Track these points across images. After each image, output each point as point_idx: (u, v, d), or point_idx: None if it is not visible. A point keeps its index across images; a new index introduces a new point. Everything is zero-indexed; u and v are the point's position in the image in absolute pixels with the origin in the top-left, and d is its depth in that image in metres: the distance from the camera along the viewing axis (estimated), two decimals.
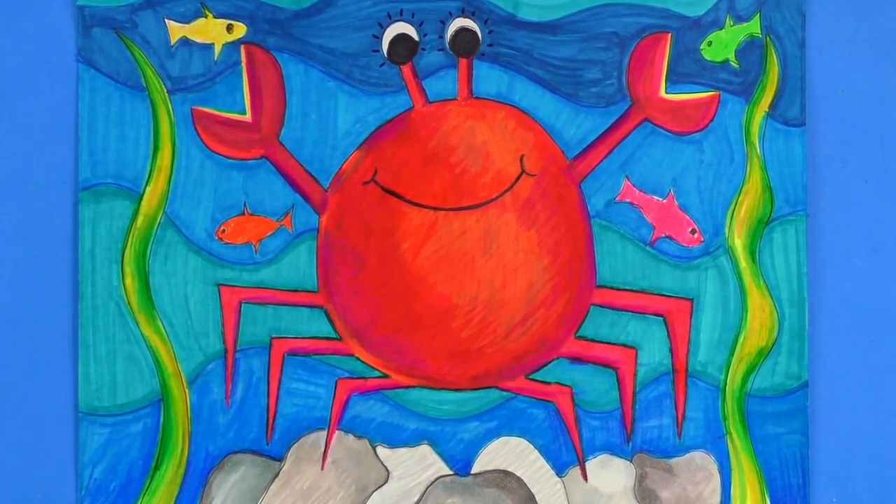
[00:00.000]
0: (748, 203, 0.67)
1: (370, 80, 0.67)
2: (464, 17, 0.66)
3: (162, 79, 0.66)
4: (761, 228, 0.67)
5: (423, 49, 0.67)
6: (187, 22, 0.67)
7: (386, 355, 0.67)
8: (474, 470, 0.67)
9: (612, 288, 0.67)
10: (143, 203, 0.66)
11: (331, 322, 0.67)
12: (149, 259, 0.66)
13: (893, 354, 0.67)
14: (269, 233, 0.66)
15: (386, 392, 0.67)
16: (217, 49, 0.67)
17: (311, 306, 0.66)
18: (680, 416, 0.66)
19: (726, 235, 0.67)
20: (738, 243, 0.67)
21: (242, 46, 0.67)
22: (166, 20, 0.66)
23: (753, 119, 0.67)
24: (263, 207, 0.66)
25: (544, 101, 0.67)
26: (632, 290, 0.67)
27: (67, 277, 0.66)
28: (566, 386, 0.67)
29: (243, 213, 0.66)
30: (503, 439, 0.67)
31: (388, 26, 0.66)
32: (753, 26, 0.67)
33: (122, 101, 0.66)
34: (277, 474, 0.66)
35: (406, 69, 0.67)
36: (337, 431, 0.67)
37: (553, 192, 0.67)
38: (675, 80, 0.67)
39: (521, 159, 0.66)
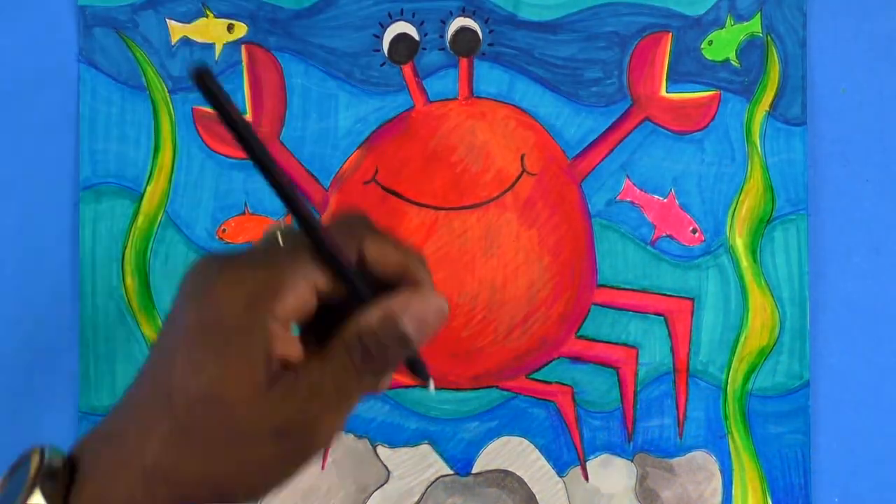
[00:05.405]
0: (749, 202, 0.67)
1: (371, 80, 0.67)
2: (464, 17, 0.67)
3: (163, 78, 0.67)
4: (762, 228, 0.67)
5: (424, 49, 0.67)
6: (188, 22, 0.67)
7: None
8: (475, 470, 0.67)
9: (612, 287, 0.67)
10: (144, 203, 0.66)
11: None
12: (149, 258, 0.66)
13: (895, 354, 0.67)
14: None
15: (386, 392, 0.66)
16: (218, 49, 0.67)
17: None
18: (681, 416, 0.66)
19: (727, 235, 0.67)
20: (740, 242, 0.67)
21: (243, 46, 0.67)
22: (167, 20, 0.67)
23: (754, 118, 0.67)
24: (264, 207, 0.66)
25: (545, 101, 0.67)
26: (633, 290, 0.67)
27: (68, 277, 0.66)
28: (567, 385, 0.67)
29: (244, 213, 0.66)
30: (504, 439, 0.67)
31: (388, 26, 0.66)
32: (754, 25, 0.67)
33: (122, 101, 0.66)
34: None
35: (407, 69, 0.67)
36: None
37: (554, 192, 0.66)
38: (675, 79, 0.67)
39: (522, 159, 0.66)
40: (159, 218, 0.66)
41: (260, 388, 0.42)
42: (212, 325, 0.43)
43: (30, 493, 0.43)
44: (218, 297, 0.42)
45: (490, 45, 0.66)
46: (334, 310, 0.43)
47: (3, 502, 0.45)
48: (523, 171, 0.66)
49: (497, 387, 0.67)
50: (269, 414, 0.43)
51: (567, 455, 0.67)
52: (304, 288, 0.43)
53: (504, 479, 0.67)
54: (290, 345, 0.43)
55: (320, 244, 0.42)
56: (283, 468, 0.45)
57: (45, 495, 0.43)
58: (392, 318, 0.43)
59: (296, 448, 0.44)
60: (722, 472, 0.66)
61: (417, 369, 0.48)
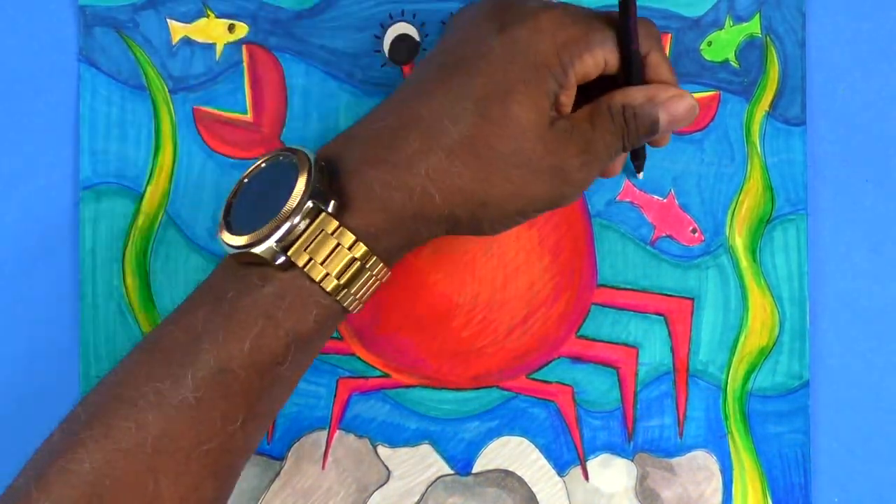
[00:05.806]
0: (749, 202, 0.67)
1: (372, 81, 0.67)
2: None
3: (163, 78, 0.67)
4: (762, 227, 0.67)
5: (425, 49, 0.67)
6: (189, 22, 0.67)
7: (387, 355, 0.67)
8: (475, 470, 0.67)
9: (612, 287, 0.67)
10: (145, 202, 0.66)
11: None
12: (150, 258, 0.66)
13: (895, 354, 0.67)
14: None
15: (387, 392, 0.66)
16: (219, 49, 0.67)
17: None
18: (681, 416, 0.66)
19: (727, 235, 0.67)
20: (739, 242, 0.67)
21: (244, 46, 0.67)
22: (168, 20, 0.67)
23: (754, 118, 0.67)
24: None
25: None
26: (633, 290, 0.67)
27: (68, 276, 0.66)
28: (567, 385, 0.67)
29: None
30: (504, 439, 0.67)
31: (389, 26, 0.67)
32: (753, 26, 0.67)
33: (123, 101, 0.66)
34: (278, 474, 0.66)
35: (407, 69, 0.67)
36: (338, 431, 0.66)
37: None
38: None
39: None
40: (160, 218, 0.66)
41: (546, 123, 0.50)
42: (522, 54, 0.49)
43: (309, 176, 0.49)
44: (537, 30, 0.50)
45: None
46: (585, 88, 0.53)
47: (274, 179, 0.50)
48: None
49: (497, 387, 0.67)
50: (552, 148, 0.50)
51: (567, 455, 0.67)
52: (600, 56, 0.51)
53: (504, 479, 0.67)
54: (570, 97, 0.51)
55: (630, 28, 0.51)
56: (544, 203, 0.52)
57: (321, 184, 0.49)
58: (654, 100, 0.52)
59: (561, 189, 0.51)
60: (722, 471, 0.66)
61: (639, 158, 0.62)
